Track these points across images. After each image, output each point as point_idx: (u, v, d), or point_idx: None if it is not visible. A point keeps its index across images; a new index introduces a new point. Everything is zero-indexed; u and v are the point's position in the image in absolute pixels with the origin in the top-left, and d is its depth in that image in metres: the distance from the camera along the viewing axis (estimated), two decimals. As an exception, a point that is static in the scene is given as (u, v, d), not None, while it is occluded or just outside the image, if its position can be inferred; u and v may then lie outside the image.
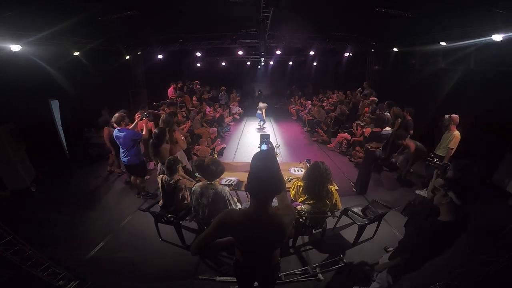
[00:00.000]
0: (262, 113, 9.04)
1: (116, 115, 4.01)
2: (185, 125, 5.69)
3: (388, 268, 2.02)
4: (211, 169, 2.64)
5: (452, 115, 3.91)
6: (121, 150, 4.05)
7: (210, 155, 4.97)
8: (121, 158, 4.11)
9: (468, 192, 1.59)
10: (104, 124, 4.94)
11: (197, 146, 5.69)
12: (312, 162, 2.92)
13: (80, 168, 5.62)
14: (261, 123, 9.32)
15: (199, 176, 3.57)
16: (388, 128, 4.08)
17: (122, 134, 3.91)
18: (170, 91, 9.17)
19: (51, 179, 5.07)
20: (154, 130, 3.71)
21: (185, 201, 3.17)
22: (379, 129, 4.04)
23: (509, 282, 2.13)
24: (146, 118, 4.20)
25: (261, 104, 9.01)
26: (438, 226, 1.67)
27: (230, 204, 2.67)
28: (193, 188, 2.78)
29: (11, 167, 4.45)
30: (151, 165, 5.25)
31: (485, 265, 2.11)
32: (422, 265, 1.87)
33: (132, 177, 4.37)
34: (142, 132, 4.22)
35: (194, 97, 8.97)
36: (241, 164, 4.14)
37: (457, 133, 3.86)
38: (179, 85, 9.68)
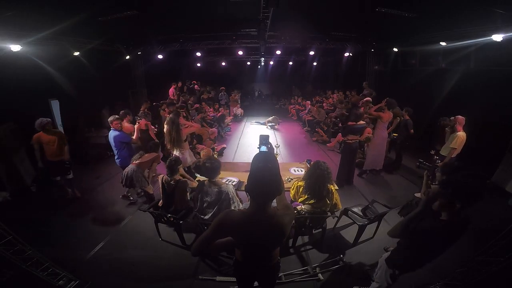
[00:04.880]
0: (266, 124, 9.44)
1: (112, 116, 4.07)
2: (191, 125, 5.31)
3: (388, 266, 2.01)
4: (207, 166, 2.66)
5: (457, 116, 3.90)
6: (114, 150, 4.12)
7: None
8: (115, 159, 4.17)
9: (470, 194, 1.59)
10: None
11: (201, 146, 5.68)
12: (313, 162, 2.92)
13: (80, 168, 5.62)
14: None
15: (199, 176, 3.59)
16: (362, 122, 4.50)
17: (112, 135, 3.99)
18: (171, 91, 9.17)
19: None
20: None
21: (185, 201, 3.17)
22: (353, 123, 4.40)
23: (509, 282, 2.13)
24: (138, 123, 4.16)
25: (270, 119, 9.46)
26: (439, 226, 1.66)
27: (234, 202, 2.67)
28: (199, 185, 2.79)
29: (11, 167, 4.45)
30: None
31: (485, 265, 2.11)
32: (423, 265, 1.87)
33: None
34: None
35: (192, 98, 8.96)
36: (242, 164, 4.14)
37: (460, 133, 3.84)
38: (179, 85, 9.68)
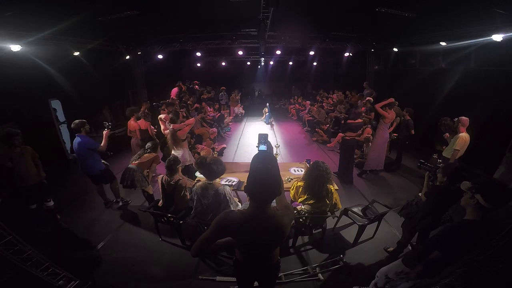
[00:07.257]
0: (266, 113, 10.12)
1: (76, 121, 3.59)
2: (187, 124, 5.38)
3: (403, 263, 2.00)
4: (213, 168, 2.61)
5: (460, 117, 3.81)
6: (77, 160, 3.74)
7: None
8: (80, 167, 3.79)
9: (496, 195, 1.59)
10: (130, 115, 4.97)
11: (201, 146, 5.68)
12: (313, 162, 2.92)
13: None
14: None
15: (198, 176, 3.59)
16: (359, 120, 4.85)
17: (77, 141, 3.57)
18: (174, 91, 9.15)
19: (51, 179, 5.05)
20: None
21: (185, 201, 3.17)
22: (352, 121, 4.69)
23: (509, 282, 2.13)
24: (108, 129, 3.81)
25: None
26: (465, 225, 1.66)
27: (231, 204, 2.66)
28: (193, 188, 2.77)
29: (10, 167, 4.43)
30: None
31: (485, 265, 2.10)
32: (448, 265, 1.86)
33: (97, 187, 4.01)
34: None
35: (192, 98, 8.94)
36: (241, 164, 4.14)
37: (462, 134, 3.74)
38: (183, 89, 9.66)
